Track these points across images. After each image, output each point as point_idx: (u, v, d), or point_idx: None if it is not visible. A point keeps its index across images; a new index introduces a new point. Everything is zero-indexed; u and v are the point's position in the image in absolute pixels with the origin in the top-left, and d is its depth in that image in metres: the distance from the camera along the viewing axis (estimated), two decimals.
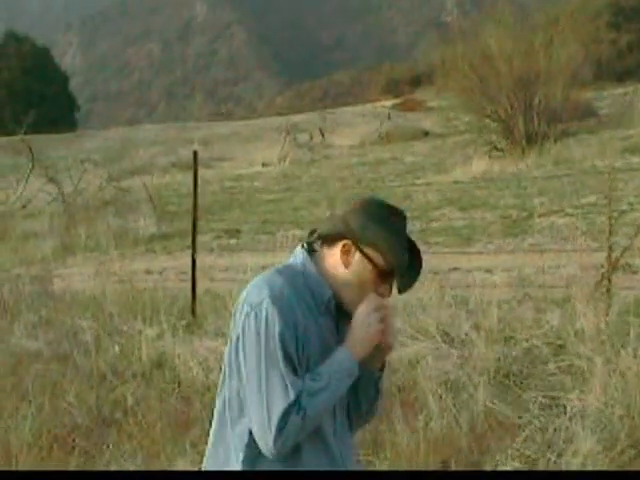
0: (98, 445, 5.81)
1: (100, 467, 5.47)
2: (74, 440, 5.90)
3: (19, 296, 9.65)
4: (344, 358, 2.40)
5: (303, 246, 2.52)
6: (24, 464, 5.29)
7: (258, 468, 2.39)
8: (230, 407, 2.43)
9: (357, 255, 2.43)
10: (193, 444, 5.42)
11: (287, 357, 2.33)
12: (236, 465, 2.40)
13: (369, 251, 2.41)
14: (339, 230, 2.44)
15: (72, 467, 5.44)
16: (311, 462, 2.41)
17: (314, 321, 2.41)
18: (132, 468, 5.33)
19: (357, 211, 2.44)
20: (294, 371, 2.33)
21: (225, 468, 2.43)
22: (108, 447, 5.72)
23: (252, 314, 2.35)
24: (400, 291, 2.47)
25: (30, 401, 6.30)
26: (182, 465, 5.18)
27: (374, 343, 2.44)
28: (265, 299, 2.35)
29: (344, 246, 2.43)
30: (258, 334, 2.33)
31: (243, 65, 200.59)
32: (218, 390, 2.50)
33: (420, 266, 2.47)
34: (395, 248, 2.40)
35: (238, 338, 2.38)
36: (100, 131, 59.63)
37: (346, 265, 2.43)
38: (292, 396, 2.30)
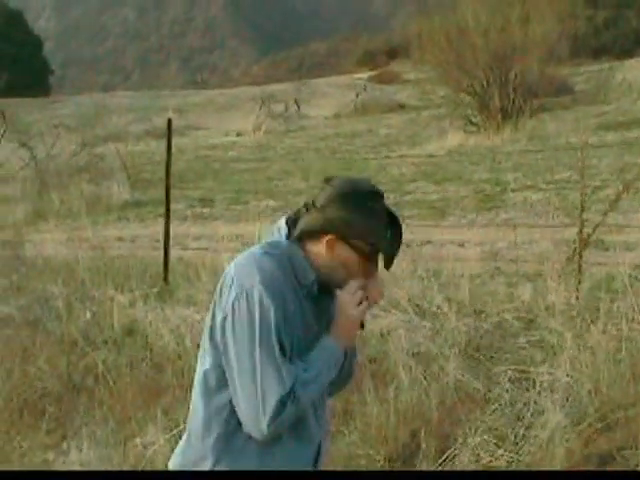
0: (69, 411, 5.81)
1: (71, 433, 5.47)
2: (45, 405, 5.90)
3: None
4: (333, 348, 2.42)
5: (287, 225, 2.47)
6: None
7: (233, 444, 2.40)
8: (207, 379, 2.42)
9: (342, 246, 2.40)
10: (164, 411, 5.43)
11: (282, 345, 2.31)
12: (214, 435, 2.41)
13: (354, 242, 2.39)
14: (321, 226, 2.39)
15: (42, 432, 5.44)
16: (288, 441, 2.42)
17: (299, 303, 2.40)
18: (102, 434, 5.34)
19: (336, 203, 2.38)
20: (288, 358, 2.33)
21: (202, 440, 2.44)
22: (79, 413, 5.72)
23: (243, 297, 2.31)
24: (386, 267, 2.45)
25: None
26: (153, 432, 5.19)
27: (357, 328, 2.48)
28: (257, 284, 2.30)
29: (328, 242, 2.40)
30: (251, 319, 2.30)
31: (219, 33, 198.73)
32: (198, 362, 2.49)
33: (401, 236, 2.45)
34: (380, 235, 2.38)
35: (225, 318, 2.34)
36: (74, 97, 59.00)
37: (331, 257, 2.41)
38: (288, 386, 2.29)
